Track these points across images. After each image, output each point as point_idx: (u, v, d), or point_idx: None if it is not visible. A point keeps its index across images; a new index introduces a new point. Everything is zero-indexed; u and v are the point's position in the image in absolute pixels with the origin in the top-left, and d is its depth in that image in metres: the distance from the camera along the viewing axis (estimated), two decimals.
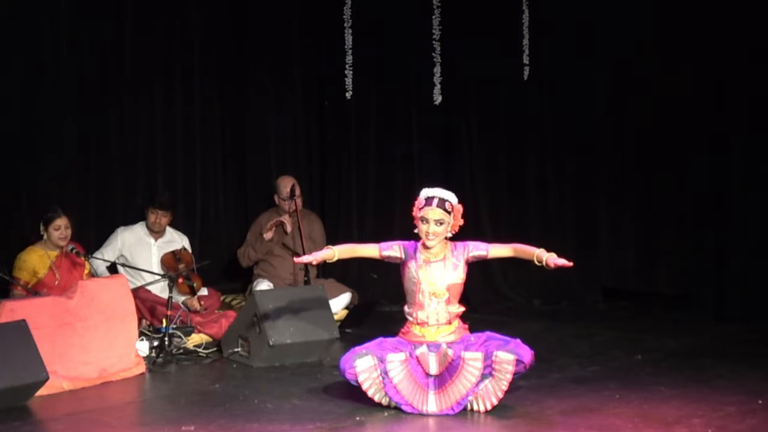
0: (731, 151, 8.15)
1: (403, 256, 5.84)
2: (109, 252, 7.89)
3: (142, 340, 6.92)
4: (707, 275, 8.36)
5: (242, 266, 8.55)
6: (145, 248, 7.96)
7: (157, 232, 8.00)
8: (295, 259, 5.96)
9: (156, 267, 7.82)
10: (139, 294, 7.44)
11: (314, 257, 5.81)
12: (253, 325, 6.81)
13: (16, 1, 7.87)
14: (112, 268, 7.94)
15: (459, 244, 5.86)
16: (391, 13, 9.13)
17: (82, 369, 6.32)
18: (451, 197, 5.83)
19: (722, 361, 6.71)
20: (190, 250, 8.01)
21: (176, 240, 8.06)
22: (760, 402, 5.75)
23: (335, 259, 5.85)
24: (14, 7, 7.85)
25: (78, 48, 8.27)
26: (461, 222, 5.87)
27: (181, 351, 7.09)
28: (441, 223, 5.76)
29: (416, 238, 5.87)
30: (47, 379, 5.91)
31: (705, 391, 5.99)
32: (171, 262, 7.76)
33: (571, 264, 5.59)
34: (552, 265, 5.61)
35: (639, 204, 8.94)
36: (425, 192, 5.85)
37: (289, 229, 8.30)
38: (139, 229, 8.03)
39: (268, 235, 8.31)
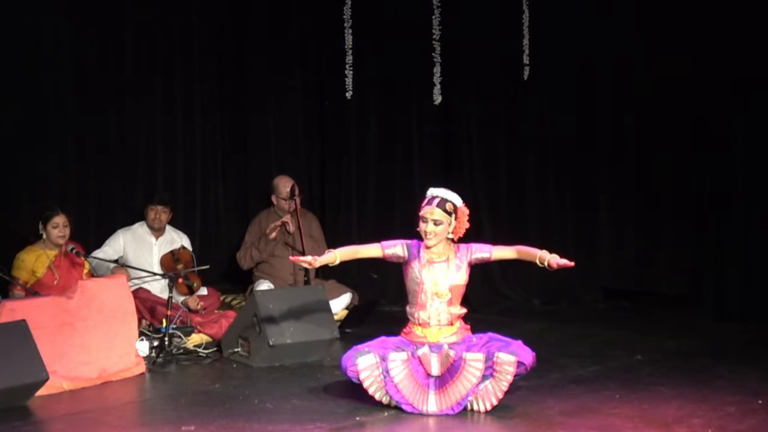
0: (732, 150, 8.15)
1: (407, 255, 5.83)
2: (110, 252, 7.87)
3: (142, 340, 6.92)
4: (707, 275, 8.36)
5: (243, 269, 8.53)
6: (146, 248, 7.96)
7: (157, 230, 7.98)
8: (292, 258, 5.90)
9: (156, 267, 7.82)
10: (139, 294, 7.44)
11: (315, 259, 5.76)
12: (253, 325, 6.81)
13: (16, 2, 7.86)
14: None
15: (462, 246, 5.85)
16: (391, 13, 9.13)
17: (82, 369, 6.32)
18: (454, 199, 5.81)
19: (722, 361, 6.71)
20: (190, 249, 8.01)
21: (176, 240, 8.06)
22: (760, 402, 5.75)
23: (337, 262, 5.82)
24: (14, 7, 7.84)
25: (78, 48, 8.26)
26: (467, 225, 5.84)
27: (181, 351, 7.08)
28: (439, 224, 5.74)
29: (419, 237, 5.86)
30: (47, 379, 5.91)
31: (705, 391, 5.99)
32: (169, 262, 7.75)
33: (572, 264, 5.60)
34: (555, 266, 5.62)
35: (639, 204, 8.95)
36: (430, 191, 5.84)
37: (291, 228, 8.30)
38: (139, 230, 8.02)
39: (273, 236, 8.31)
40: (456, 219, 5.80)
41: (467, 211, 5.86)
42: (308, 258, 5.77)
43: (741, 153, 8.11)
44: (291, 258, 5.97)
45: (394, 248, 5.84)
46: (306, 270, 7.98)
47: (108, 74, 8.44)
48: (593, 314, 8.64)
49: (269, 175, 8.87)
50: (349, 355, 5.72)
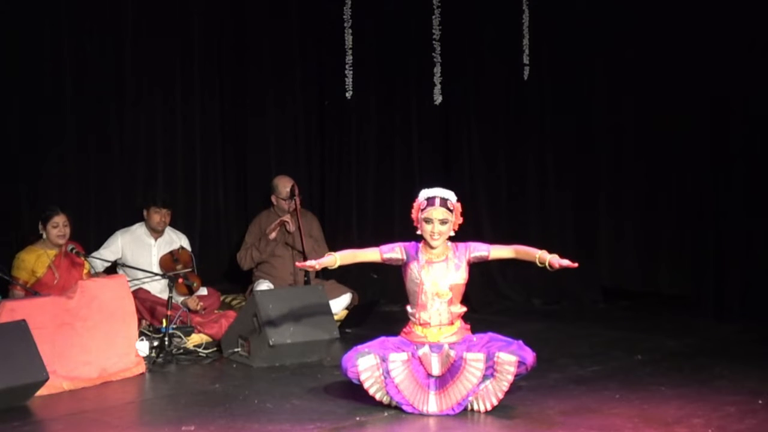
0: (731, 150, 8.15)
1: (405, 258, 5.83)
2: (108, 254, 7.87)
3: (142, 340, 6.92)
4: (707, 275, 8.36)
5: (243, 269, 8.52)
6: (145, 249, 7.95)
7: (159, 232, 7.99)
8: (298, 264, 5.92)
9: (156, 268, 7.81)
10: (139, 294, 7.44)
11: (317, 263, 5.78)
12: (253, 325, 6.81)
13: (16, 2, 7.86)
14: (111, 269, 7.94)
15: (460, 244, 5.86)
16: (391, 13, 9.14)
17: (82, 369, 6.32)
18: (451, 196, 5.84)
19: (722, 361, 6.71)
20: (189, 249, 8.00)
21: (175, 240, 8.06)
22: (760, 402, 5.75)
23: (337, 265, 5.84)
24: (14, 8, 7.85)
25: (78, 48, 8.26)
26: (460, 220, 5.88)
27: (181, 351, 7.08)
28: (445, 223, 5.77)
29: (417, 238, 5.86)
30: (47, 379, 5.91)
31: (705, 391, 5.99)
32: (168, 263, 7.74)
33: (575, 264, 5.59)
34: (556, 266, 5.61)
35: (639, 204, 8.95)
36: (425, 193, 5.85)
37: (291, 228, 8.30)
38: (138, 231, 8.01)
39: (273, 236, 8.31)
40: (455, 215, 5.84)
41: (460, 206, 5.89)
42: (312, 262, 5.79)
43: (741, 153, 8.11)
44: (297, 264, 5.98)
45: (392, 252, 5.85)
46: (306, 270, 7.98)
47: (108, 74, 8.44)
48: (593, 314, 8.64)
49: (269, 175, 8.87)
50: (349, 356, 5.72)
